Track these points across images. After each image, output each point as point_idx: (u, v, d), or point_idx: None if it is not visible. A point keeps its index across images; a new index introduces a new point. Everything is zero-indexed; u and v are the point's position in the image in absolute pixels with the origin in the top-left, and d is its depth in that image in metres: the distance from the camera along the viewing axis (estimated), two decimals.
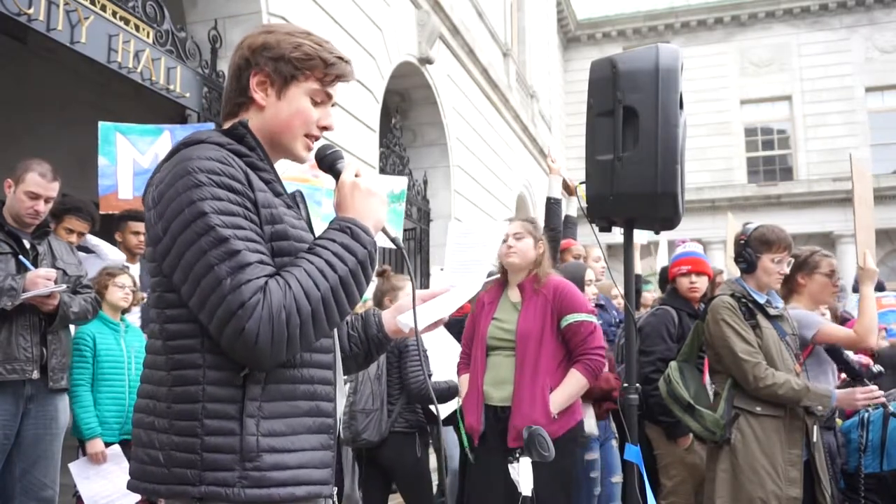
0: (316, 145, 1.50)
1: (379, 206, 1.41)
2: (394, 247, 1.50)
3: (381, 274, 3.92)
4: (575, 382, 3.01)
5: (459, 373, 3.35)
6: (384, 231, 1.44)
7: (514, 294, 3.20)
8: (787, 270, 3.00)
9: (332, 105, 1.49)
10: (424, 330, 1.56)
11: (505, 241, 3.18)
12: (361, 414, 3.65)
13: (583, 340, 3.03)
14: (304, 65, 1.41)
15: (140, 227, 4.38)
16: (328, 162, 1.49)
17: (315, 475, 1.33)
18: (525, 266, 3.17)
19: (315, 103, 1.44)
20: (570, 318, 3.04)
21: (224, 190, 1.27)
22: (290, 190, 1.49)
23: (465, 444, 3.39)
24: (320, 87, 1.43)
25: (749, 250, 3.04)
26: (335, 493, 1.44)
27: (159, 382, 1.32)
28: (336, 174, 1.46)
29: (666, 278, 4.14)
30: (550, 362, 3.01)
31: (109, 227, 4.45)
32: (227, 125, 1.45)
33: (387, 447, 3.65)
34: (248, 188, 1.31)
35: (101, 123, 4.33)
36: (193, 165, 1.27)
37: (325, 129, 1.47)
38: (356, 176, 1.43)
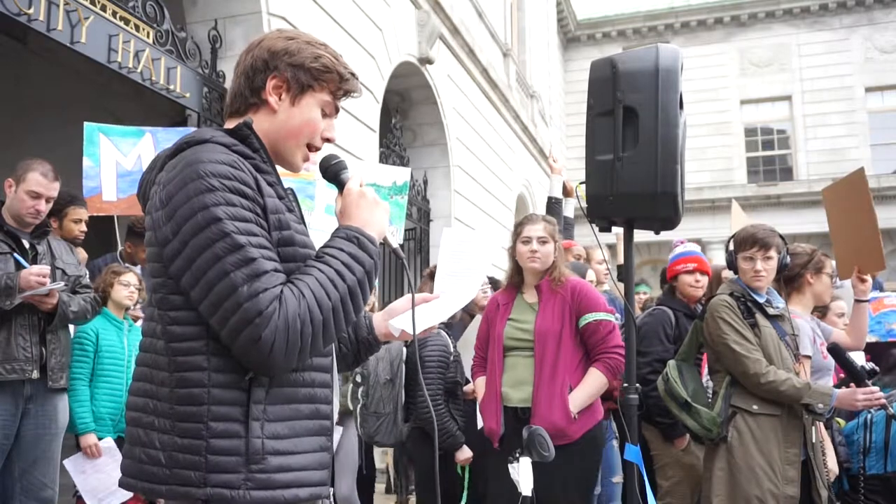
0: (319, 154, 1.52)
1: (383, 216, 1.45)
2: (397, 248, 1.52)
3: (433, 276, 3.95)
4: (595, 381, 2.99)
5: (474, 376, 3.30)
6: (386, 241, 1.48)
7: (529, 295, 3.16)
8: (760, 267, 2.99)
9: (336, 118, 1.52)
10: (419, 335, 1.58)
11: (527, 242, 3.10)
12: (373, 416, 3.69)
13: (602, 339, 3.01)
14: (322, 76, 1.43)
15: None
16: (333, 171, 1.50)
17: (315, 477, 1.35)
18: (544, 270, 3.14)
19: (323, 115, 1.46)
20: (589, 317, 3.02)
21: (237, 195, 1.27)
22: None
23: (466, 482, 3.39)
24: (332, 99, 1.46)
25: (730, 252, 3.12)
26: (332, 493, 1.45)
27: (161, 383, 1.31)
28: (340, 184, 1.48)
29: (665, 278, 4.13)
30: (570, 361, 2.98)
31: (103, 228, 4.46)
32: (231, 123, 1.45)
33: (409, 442, 3.73)
34: (258, 194, 1.31)
35: (85, 124, 4.31)
36: (205, 169, 1.27)
37: (327, 140, 1.50)
38: (360, 185, 1.46)
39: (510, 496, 2.91)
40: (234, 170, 1.29)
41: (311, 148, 1.48)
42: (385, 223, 1.46)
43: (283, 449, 1.30)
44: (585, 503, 3.06)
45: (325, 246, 1.37)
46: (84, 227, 3.98)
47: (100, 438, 3.53)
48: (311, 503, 1.36)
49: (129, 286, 3.74)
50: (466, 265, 1.77)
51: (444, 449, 3.61)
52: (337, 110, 1.49)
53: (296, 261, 1.34)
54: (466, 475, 3.64)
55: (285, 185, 1.47)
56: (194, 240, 1.25)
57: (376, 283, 4.92)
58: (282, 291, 1.25)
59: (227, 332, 1.25)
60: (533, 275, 3.15)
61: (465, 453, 3.62)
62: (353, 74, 1.48)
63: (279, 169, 1.50)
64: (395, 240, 1.51)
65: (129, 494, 3.42)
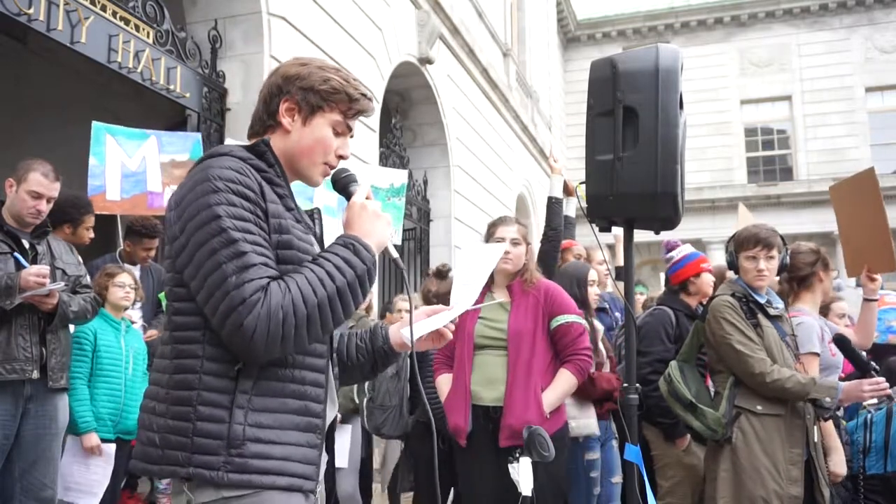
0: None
1: (384, 227, 1.53)
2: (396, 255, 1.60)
3: (440, 274, 3.97)
4: (566, 381, 3.03)
5: (437, 373, 3.30)
6: (387, 251, 1.55)
7: (500, 294, 3.18)
8: (763, 266, 2.99)
9: (351, 136, 1.60)
10: (428, 342, 1.70)
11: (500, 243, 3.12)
12: (379, 409, 3.78)
13: (573, 341, 3.06)
14: (331, 97, 1.53)
15: (153, 243, 4.44)
16: (342, 184, 1.60)
17: (297, 469, 1.41)
18: (515, 271, 3.17)
19: (336, 133, 1.55)
20: (562, 319, 3.07)
21: (238, 197, 1.38)
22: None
23: None
24: (343, 119, 1.55)
25: (731, 251, 3.12)
26: (320, 490, 1.51)
27: (163, 370, 1.42)
28: (348, 196, 1.57)
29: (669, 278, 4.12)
30: (542, 362, 3.02)
31: (106, 230, 4.46)
32: (251, 143, 1.55)
33: (413, 437, 3.77)
34: (261, 198, 1.42)
35: (94, 123, 4.35)
36: (213, 173, 1.39)
37: (341, 157, 1.58)
38: (366, 198, 1.55)
39: (480, 489, 2.97)
40: (239, 175, 1.40)
41: (327, 164, 1.57)
42: (386, 234, 1.53)
43: (264, 438, 1.37)
44: (557, 500, 3.07)
45: (323, 250, 1.46)
46: (92, 233, 4.00)
47: (104, 440, 3.53)
48: (291, 493, 1.40)
49: (123, 286, 3.73)
50: (476, 275, 1.83)
51: (450, 439, 3.62)
52: (350, 129, 1.57)
53: (294, 263, 1.42)
54: None
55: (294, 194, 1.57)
56: (196, 235, 1.36)
57: (375, 289, 4.94)
58: (268, 283, 1.34)
59: (217, 320, 1.34)
60: (504, 276, 3.18)
61: None
62: (364, 95, 1.57)
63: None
64: (395, 240, 1.55)
65: (95, 501, 3.44)
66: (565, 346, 3.07)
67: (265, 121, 1.56)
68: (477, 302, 3.14)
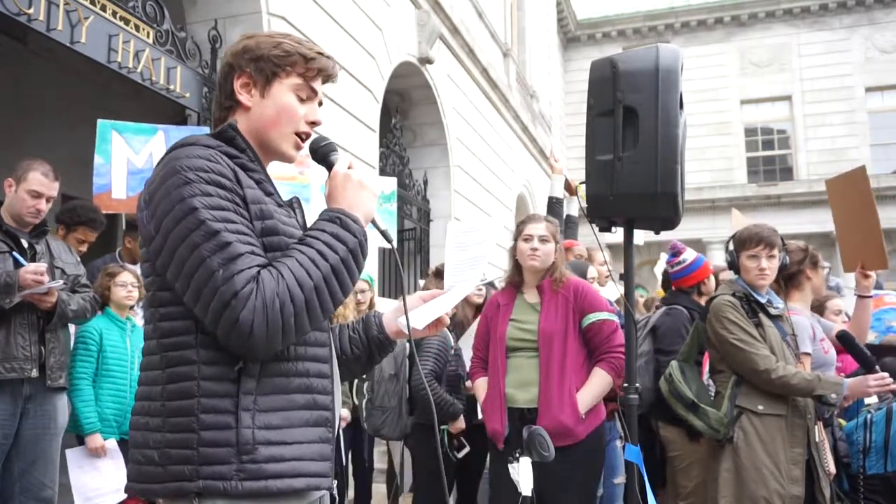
0: (309, 139, 1.51)
1: (369, 198, 1.43)
2: (387, 245, 1.51)
3: (440, 275, 3.99)
4: (601, 381, 2.98)
5: (474, 377, 3.27)
6: (374, 223, 1.46)
7: (530, 295, 3.14)
8: (765, 265, 2.99)
9: (320, 104, 1.50)
10: (425, 330, 1.59)
11: (528, 240, 3.08)
12: (378, 411, 3.77)
13: (606, 339, 3.00)
14: (285, 61, 1.43)
15: None
16: (322, 154, 1.49)
17: (313, 467, 1.33)
18: (544, 269, 3.13)
19: (301, 100, 1.45)
20: (593, 317, 3.01)
21: (213, 186, 1.28)
22: (281, 193, 1.49)
23: (446, 445, 3.40)
24: (303, 82, 1.45)
25: (732, 251, 3.11)
26: (335, 486, 1.44)
27: (153, 382, 1.32)
28: (329, 166, 1.47)
29: (669, 281, 4.12)
30: (575, 362, 2.97)
31: (105, 230, 4.45)
32: (216, 130, 1.46)
33: (412, 438, 3.77)
34: (237, 185, 1.32)
35: (99, 121, 4.33)
36: (182, 164, 1.29)
37: (313, 124, 1.48)
38: (349, 168, 1.44)
39: (515, 495, 2.93)
40: (210, 163, 1.30)
41: (301, 135, 1.47)
42: (372, 205, 1.43)
43: (275, 439, 1.28)
44: (592, 499, 3.05)
45: (309, 229, 1.36)
46: (84, 248, 3.98)
47: (104, 440, 3.53)
48: (309, 494, 1.35)
49: (125, 286, 3.73)
50: (471, 255, 1.80)
51: (443, 419, 3.60)
52: (315, 93, 1.47)
53: (281, 249, 1.33)
54: (444, 439, 3.62)
55: (287, 194, 1.48)
56: (174, 232, 1.26)
57: (375, 277, 4.95)
58: (259, 272, 1.25)
59: (210, 319, 1.25)
60: (533, 274, 3.14)
61: (460, 423, 3.62)
62: (320, 53, 1.46)
63: (281, 165, 1.49)
64: (391, 243, 1.51)
65: (119, 499, 3.43)
66: (599, 345, 3.00)
67: (223, 104, 1.46)
68: (505, 304, 3.13)
